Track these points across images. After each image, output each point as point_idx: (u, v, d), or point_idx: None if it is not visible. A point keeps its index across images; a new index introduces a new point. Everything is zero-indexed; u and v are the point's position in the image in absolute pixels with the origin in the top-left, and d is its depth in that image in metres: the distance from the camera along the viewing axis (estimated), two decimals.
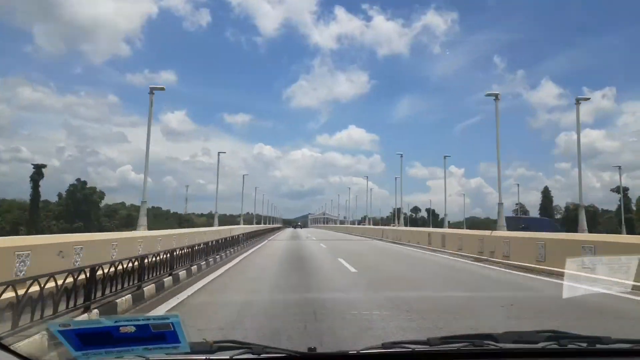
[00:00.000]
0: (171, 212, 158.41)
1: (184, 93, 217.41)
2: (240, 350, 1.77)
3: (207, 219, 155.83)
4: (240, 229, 33.29)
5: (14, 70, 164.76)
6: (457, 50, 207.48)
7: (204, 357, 1.71)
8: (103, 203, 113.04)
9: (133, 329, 1.42)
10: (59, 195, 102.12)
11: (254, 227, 44.96)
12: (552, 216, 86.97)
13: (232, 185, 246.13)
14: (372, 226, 63.69)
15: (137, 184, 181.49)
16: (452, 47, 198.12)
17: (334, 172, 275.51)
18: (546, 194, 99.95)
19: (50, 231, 73.94)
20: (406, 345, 1.91)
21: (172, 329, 1.43)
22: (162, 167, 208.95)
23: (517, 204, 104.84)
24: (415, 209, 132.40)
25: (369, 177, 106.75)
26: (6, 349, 1.47)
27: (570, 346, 1.94)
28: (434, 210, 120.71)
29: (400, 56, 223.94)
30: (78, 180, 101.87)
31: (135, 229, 18.26)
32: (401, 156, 51.77)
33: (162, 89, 20.96)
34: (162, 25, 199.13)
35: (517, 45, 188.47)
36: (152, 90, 20.42)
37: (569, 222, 75.87)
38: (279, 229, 78.32)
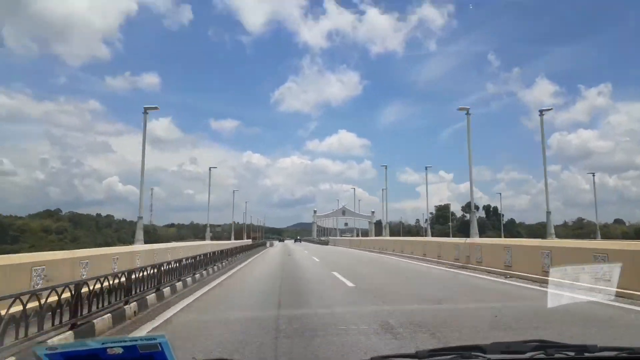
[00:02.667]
0: (157, 225, 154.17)
1: (169, 97, 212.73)
2: None
3: (177, 230, 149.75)
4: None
5: None
6: (453, 47, 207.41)
7: None
8: None
9: (120, 350, 1.41)
10: None
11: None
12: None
13: (221, 194, 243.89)
14: (399, 238, 49.68)
15: (124, 196, 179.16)
16: (447, 43, 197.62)
17: (324, 179, 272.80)
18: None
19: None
20: (395, 359, 1.91)
21: (160, 349, 1.42)
22: (150, 178, 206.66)
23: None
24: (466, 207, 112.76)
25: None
26: None
27: (557, 355, 1.95)
28: (494, 209, 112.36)
29: (393, 54, 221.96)
30: None
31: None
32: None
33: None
34: (142, 23, 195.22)
35: (512, 42, 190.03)
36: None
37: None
38: (250, 248, 38.97)
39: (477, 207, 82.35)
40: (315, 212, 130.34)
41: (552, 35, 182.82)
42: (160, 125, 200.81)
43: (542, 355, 1.95)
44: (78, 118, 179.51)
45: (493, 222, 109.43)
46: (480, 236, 21.86)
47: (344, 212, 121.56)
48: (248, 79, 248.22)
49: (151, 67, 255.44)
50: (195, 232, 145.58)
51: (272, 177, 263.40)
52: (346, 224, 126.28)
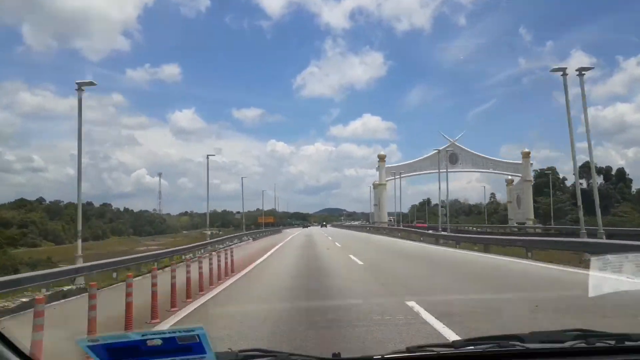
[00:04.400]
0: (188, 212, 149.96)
1: (190, 87, 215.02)
2: (266, 359, 1.78)
3: (191, 219, 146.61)
4: None
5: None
6: (483, 22, 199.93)
7: None
8: None
9: (160, 342, 1.44)
10: None
11: None
12: None
13: (246, 183, 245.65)
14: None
15: (152, 188, 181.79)
16: (477, 17, 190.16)
17: (350, 164, 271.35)
18: None
19: None
20: (431, 349, 1.89)
21: (198, 341, 1.45)
22: (176, 169, 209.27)
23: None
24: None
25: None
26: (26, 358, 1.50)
27: (598, 344, 1.90)
28: (619, 172, 77.47)
29: (420, 32, 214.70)
30: None
31: None
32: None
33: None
34: (160, 12, 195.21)
35: (545, 14, 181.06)
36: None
37: None
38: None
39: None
40: (381, 159, 77.20)
41: (588, 4, 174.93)
42: (184, 117, 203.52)
43: (583, 344, 1.90)
44: (102, 112, 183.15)
45: (622, 191, 75.46)
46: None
47: (453, 156, 68.38)
48: (269, 65, 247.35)
49: (171, 58, 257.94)
50: (211, 219, 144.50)
51: (296, 164, 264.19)
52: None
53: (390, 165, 76.01)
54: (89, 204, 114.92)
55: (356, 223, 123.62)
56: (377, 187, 79.55)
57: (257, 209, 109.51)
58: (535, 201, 69.21)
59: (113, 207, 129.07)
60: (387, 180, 73.85)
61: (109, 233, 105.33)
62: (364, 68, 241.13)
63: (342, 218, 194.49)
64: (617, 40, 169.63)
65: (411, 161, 76.56)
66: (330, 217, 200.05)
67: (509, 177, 74.70)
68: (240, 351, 1.81)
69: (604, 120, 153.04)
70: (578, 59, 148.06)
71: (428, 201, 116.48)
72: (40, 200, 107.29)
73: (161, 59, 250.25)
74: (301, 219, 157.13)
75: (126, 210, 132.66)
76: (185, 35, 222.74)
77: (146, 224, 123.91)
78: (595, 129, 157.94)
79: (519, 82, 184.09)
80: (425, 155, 71.13)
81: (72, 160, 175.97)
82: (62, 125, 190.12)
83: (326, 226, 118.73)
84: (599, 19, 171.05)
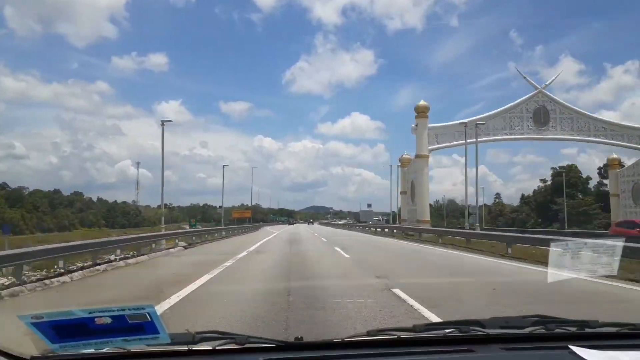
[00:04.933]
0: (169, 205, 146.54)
1: (177, 78, 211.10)
2: (224, 341, 1.73)
3: (170, 212, 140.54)
4: None
5: None
6: (474, 22, 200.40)
7: (186, 348, 1.67)
8: None
9: (109, 320, 1.38)
10: None
11: None
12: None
13: (232, 178, 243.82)
14: None
15: (136, 179, 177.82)
16: (469, 18, 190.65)
17: (337, 163, 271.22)
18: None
19: None
20: (391, 332, 1.88)
21: (150, 319, 1.40)
22: (159, 162, 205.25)
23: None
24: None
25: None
26: None
27: (557, 330, 1.92)
28: None
29: (411, 31, 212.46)
30: None
31: None
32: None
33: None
34: (148, 0, 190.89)
35: (536, 18, 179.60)
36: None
37: None
38: None
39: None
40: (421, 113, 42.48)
41: (578, 10, 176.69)
42: (170, 108, 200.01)
43: (542, 330, 1.91)
44: (86, 101, 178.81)
45: None
46: None
47: (541, 113, 42.65)
48: (259, 59, 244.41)
49: (159, 48, 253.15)
50: (191, 213, 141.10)
51: (283, 160, 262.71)
52: None
53: (436, 125, 43.47)
54: (57, 191, 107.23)
55: (342, 222, 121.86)
56: (412, 162, 47.78)
57: (242, 204, 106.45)
58: (554, 202, 62.74)
59: (85, 196, 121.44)
60: (432, 150, 43.23)
61: (77, 224, 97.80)
62: (354, 65, 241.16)
63: (329, 216, 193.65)
64: (607, 46, 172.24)
65: (467, 119, 41.29)
66: (316, 214, 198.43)
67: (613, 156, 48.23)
68: (197, 333, 1.75)
69: None
70: (567, 65, 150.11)
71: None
72: (3, 185, 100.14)
73: (148, 48, 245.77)
74: (286, 216, 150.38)
75: (100, 200, 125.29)
76: (174, 24, 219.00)
77: (120, 216, 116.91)
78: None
79: (507, 86, 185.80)
80: (493, 112, 43.35)
81: (55, 149, 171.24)
82: (45, 112, 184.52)
83: (312, 224, 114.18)
84: (589, 25, 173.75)
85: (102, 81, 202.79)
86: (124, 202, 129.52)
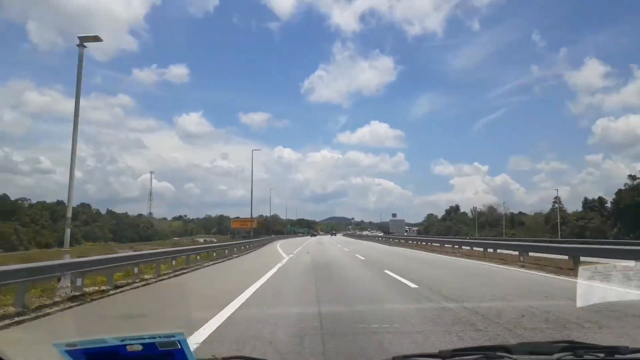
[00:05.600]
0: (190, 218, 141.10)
1: (198, 89, 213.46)
2: None
3: (184, 224, 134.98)
4: None
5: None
6: (497, 27, 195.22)
7: None
8: None
9: (140, 347, 1.41)
10: None
11: None
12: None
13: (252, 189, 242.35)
14: None
15: (159, 192, 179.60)
16: (491, 22, 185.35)
17: (356, 173, 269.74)
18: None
19: None
20: (417, 358, 1.87)
21: (179, 347, 1.42)
22: (183, 175, 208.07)
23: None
24: None
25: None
26: None
27: (586, 357, 1.89)
28: None
29: (432, 37, 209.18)
30: None
31: None
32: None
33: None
34: (167, 11, 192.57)
35: (560, 20, 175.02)
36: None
37: None
38: None
39: None
40: None
41: (604, 11, 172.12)
42: (191, 120, 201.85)
43: (571, 357, 1.88)
44: (109, 114, 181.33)
45: None
46: None
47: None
48: (277, 68, 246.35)
49: (179, 59, 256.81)
50: (207, 225, 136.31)
51: (303, 171, 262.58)
52: None
53: None
54: (59, 203, 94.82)
55: (365, 233, 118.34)
56: None
57: (260, 215, 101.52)
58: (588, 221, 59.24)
59: (92, 208, 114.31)
60: None
61: (80, 238, 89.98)
62: (373, 73, 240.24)
63: (350, 227, 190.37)
64: (633, 48, 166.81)
65: None
66: (337, 225, 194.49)
67: None
68: (224, 358, 1.78)
69: (615, 132, 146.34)
70: (592, 67, 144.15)
71: (456, 208, 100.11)
72: (3, 197, 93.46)
73: (169, 60, 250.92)
74: (306, 227, 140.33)
75: (110, 212, 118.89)
76: (193, 35, 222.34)
77: (129, 229, 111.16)
78: (605, 142, 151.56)
79: (530, 91, 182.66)
80: None
81: (80, 163, 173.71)
82: (69, 126, 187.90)
83: (335, 235, 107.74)
84: (615, 25, 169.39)
85: (124, 94, 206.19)
86: (140, 215, 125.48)
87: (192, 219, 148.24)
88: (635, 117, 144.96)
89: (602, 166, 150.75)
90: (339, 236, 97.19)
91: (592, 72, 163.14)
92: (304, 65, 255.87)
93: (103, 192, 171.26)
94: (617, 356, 1.89)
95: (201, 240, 36.05)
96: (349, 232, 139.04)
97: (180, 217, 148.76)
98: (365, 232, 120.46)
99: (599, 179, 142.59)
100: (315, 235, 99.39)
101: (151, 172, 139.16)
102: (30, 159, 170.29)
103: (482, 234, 55.47)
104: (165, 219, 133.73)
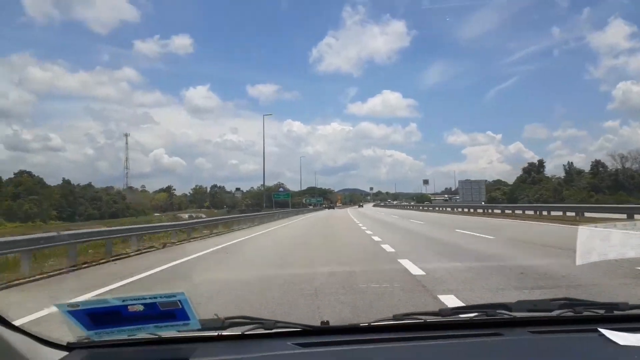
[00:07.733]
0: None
1: (203, 61, 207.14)
2: (252, 326, 1.76)
3: (169, 196, 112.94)
4: None
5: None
6: None
7: (216, 334, 1.71)
8: None
9: (141, 307, 1.42)
10: None
11: None
12: None
13: (261, 163, 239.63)
14: None
15: (171, 168, 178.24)
16: None
17: (367, 145, 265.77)
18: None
19: None
20: (417, 317, 1.88)
21: (180, 307, 1.43)
22: (194, 150, 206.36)
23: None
24: None
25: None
26: (12, 326, 1.47)
27: (585, 313, 1.90)
28: None
29: None
30: None
31: None
32: None
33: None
34: None
35: None
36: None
37: None
38: None
39: None
40: None
41: None
42: (198, 94, 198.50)
43: (570, 313, 1.90)
44: (115, 89, 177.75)
45: None
46: None
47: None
48: (285, 36, 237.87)
49: (182, 29, 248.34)
50: (196, 197, 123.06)
51: (313, 144, 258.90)
52: None
53: None
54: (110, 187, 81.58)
55: (395, 202, 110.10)
56: None
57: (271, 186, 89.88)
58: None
59: (35, 176, 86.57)
60: None
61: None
62: (385, 39, 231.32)
63: (369, 198, 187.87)
64: None
65: None
66: (353, 196, 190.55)
67: None
68: (227, 318, 1.79)
69: (638, 95, 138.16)
70: (616, 28, 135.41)
71: (540, 163, 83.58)
72: None
73: (172, 30, 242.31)
74: (319, 196, 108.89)
75: (65, 182, 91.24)
76: (195, 3, 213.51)
77: (85, 204, 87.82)
78: (625, 106, 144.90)
79: (548, 55, 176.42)
80: None
81: (90, 140, 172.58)
82: (75, 103, 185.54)
83: (362, 206, 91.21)
84: None
85: (129, 67, 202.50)
86: (109, 187, 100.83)
87: (187, 193, 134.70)
88: None
89: (619, 132, 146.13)
90: (370, 208, 79.90)
91: (617, 32, 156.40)
92: (312, 32, 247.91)
93: (116, 168, 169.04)
94: (615, 312, 1.91)
95: (185, 216, 33.78)
96: (379, 203, 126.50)
97: (167, 189, 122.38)
98: (394, 202, 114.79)
99: (617, 145, 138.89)
100: (332, 208, 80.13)
101: (126, 135, 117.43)
102: (40, 136, 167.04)
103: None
104: (146, 191, 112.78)
